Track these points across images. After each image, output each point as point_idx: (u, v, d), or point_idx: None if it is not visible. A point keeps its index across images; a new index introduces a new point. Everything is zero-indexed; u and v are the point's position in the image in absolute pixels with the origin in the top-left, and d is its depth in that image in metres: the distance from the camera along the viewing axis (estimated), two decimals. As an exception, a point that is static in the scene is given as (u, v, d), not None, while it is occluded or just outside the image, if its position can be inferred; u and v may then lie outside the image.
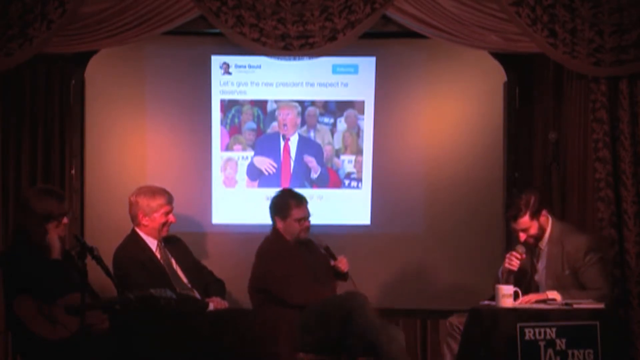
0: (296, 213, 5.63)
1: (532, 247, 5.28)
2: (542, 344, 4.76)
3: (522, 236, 5.22)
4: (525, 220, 5.18)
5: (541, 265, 5.28)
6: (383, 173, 6.44)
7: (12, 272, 4.93)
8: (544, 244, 5.27)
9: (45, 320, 4.81)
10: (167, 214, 5.54)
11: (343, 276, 5.75)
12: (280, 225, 5.65)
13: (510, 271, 5.20)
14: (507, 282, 5.10)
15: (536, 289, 5.25)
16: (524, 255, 5.20)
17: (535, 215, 5.18)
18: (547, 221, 5.25)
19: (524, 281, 5.30)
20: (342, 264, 5.70)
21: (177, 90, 6.37)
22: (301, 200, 5.68)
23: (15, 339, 5.06)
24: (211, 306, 5.35)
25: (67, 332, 4.77)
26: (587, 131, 5.71)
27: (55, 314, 4.80)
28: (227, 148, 6.40)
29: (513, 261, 5.18)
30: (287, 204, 5.65)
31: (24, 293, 4.85)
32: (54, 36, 5.55)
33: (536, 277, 5.30)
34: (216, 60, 6.37)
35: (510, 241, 5.89)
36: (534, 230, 5.21)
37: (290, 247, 5.65)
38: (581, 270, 5.15)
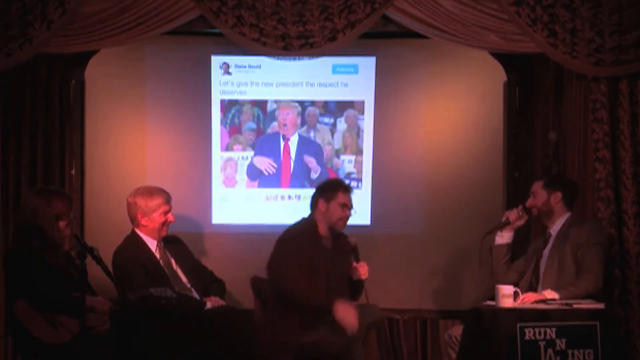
0: (342, 197, 5.52)
1: (534, 220, 5.52)
2: (542, 344, 4.76)
3: (530, 201, 5.42)
4: (538, 184, 5.43)
5: (547, 250, 5.34)
6: (383, 173, 6.44)
7: (14, 274, 4.93)
8: (554, 230, 5.36)
9: (46, 323, 4.81)
10: (166, 213, 5.54)
11: (358, 284, 5.57)
12: (322, 207, 5.51)
13: (507, 220, 5.45)
14: (500, 229, 5.46)
15: (537, 278, 5.30)
16: (522, 218, 5.44)
17: (547, 186, 5.38)
18: (559, 207, 5.36)
19: (523, 282, 5.35)
20: (362, 269, 5.54)
21: (177, 90, 6.37)
22: (349, 189, 5.60)
23: (16, 341, 5.05)
24: (208, 305, 5.35)
25: (69, 334, 4.77)
26: (587, 131, 5.71)
27: (56, 316, 4.80)
28: (227, 148, 6.40)
29: (512, 213, 5.45)
30: (335, 187, 5.56)
31: (25, 296, 4.85)
32: (54, 36, 5.55)
33: (540, 263, 5.34)
34: (216, 60, 6.37)
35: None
36: (539, 200, 5.40)
37: (318, 243, 5.48)
38: (580, 251, 5.19)
